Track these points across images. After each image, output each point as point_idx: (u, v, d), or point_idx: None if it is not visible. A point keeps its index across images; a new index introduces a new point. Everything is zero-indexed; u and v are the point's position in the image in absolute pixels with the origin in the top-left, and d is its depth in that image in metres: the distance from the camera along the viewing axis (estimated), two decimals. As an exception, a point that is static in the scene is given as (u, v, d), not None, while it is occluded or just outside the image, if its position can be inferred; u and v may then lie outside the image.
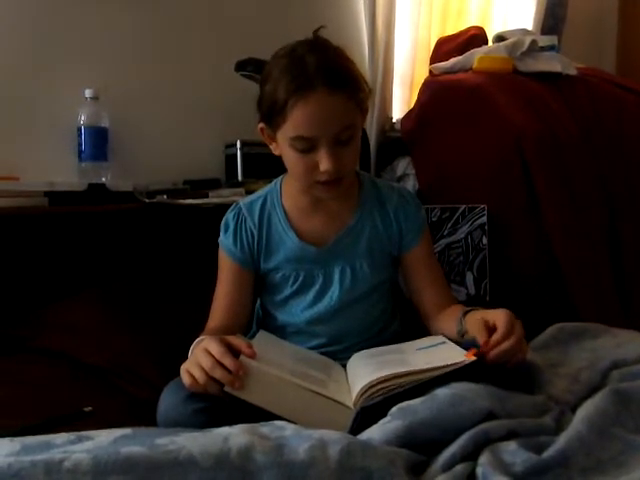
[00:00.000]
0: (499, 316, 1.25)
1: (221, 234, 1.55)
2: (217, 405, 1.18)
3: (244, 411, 1.15)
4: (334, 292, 1.50)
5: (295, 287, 1.52)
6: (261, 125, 1.43)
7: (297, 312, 1.53)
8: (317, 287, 1.51)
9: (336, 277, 1.51)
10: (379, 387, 1.17)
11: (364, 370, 1.27)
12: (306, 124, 1.31)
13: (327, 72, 1.31)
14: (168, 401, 1.22)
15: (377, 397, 1.17)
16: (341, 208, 1.53)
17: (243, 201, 1.57)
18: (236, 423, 1.09)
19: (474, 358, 1.20)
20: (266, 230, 1.52)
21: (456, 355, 1.23)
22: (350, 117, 1.35)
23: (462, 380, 1.17)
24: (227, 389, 1.15)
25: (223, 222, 1.56)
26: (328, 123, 1.32)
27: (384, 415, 1.13)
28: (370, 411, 1.16)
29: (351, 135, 1.36)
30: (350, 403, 1.18)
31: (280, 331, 1.54)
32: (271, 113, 1.36)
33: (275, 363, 1.27)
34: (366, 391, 1.18)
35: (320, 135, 1.32)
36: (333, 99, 1.31)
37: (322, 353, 1.49)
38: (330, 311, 1.51)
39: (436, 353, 1.30)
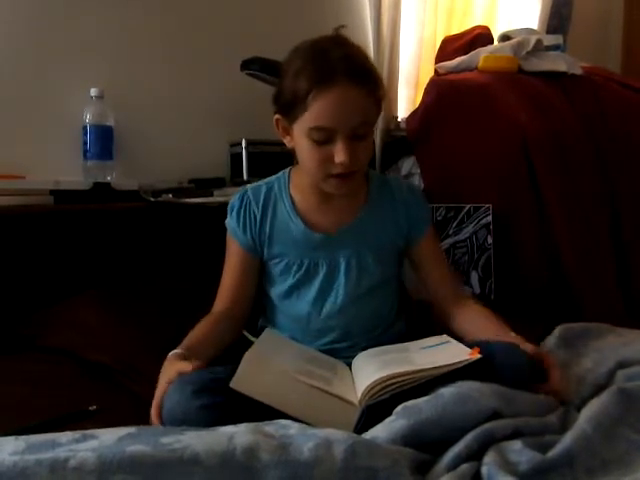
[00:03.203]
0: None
1: (227, 215, 1.57)
2: (222, 402, 1.18)
3: (249, 408, 1.15)
4: (340, 286, 1.51)
5: (299, 276, 1.52)
6: (277, 117, 1.45)
7: (304, 305, 1.52)
8: (321, 277, 1.51)
9: (342, 269, 1.51)
10: (384, 385, 1.18)
11: (369, 368, 1.28)
12: (327, 115, 1.33)
13: (350, 66, 1.33)
14: (173, 398, 1.21)
15: (382, 395, 1.17)
16: (349, 204, 1.54)
17: (250, 185, 1.59)
18: (241, 419, 1.10)
19: (479, 356, 1.20)
20: (271, 215, 1.53)
21: (460, 353, 1.24)
22: (369, 112, 1.38)
23: (467, 378, 1.18)
24: (232, 385, 1.15)
25: (229, 204, 1.57)
26: (348, 116, 1.34)
27: (389, 413, 1.14)
28: (375, 409, 1.16)
29: (367, 130, 1.39)
30: (355, 401, 1.19)
31: (289, 328, 1.54)
32: (291, 103, 1.37)
33: (280, 361, 1.28)
34: (371, 389, 1.18)
35: (339, 127, 1.34)
36: (355, 92, 1.33)
37: (329, 350, 1.49)
38: (338, 305, 1.50)
39: (441, 352, 1.31)
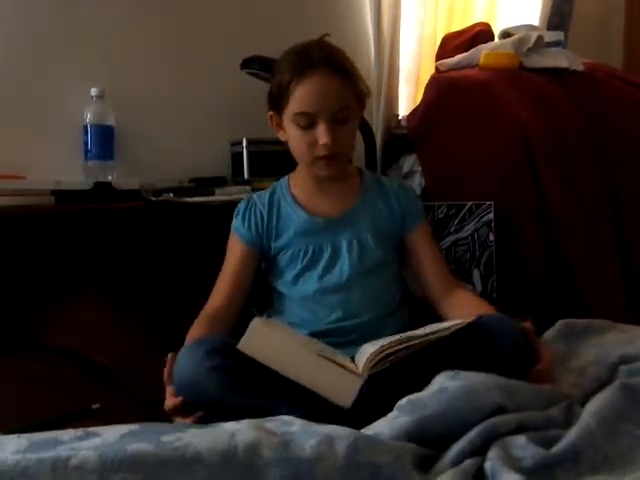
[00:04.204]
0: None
1: (233, 220, 1.66)
2: (233, 364, 1.24)
3: (258, 372, 1.21)
4: (344, 262, 1.58)
5: (305, 262, 1.59)
6: (270, 113, 1.58)
7: (310, 285, 1.58)
8: (326, 258, 1.59)
9: (344, 248, 1.59)
10: (385, 354, 1.21)
11: (370, 348, 1.29)
12: (307, 100, 1.48)
13: (328, 58, 1.49)
14: (185, 360, 1.28)
15: (384, 364, 1.21)
16: (345, 192, 1.65)
17: (255, 193, 1.71)
18: (250, 383, 1.22)
19: (473, 318, 1.29)
20: (275, 212, 1.63)
21: (456, 322, 1.30)
22: (347, 98, 1.51)
23: (465, 348, 1.26)
24: (239, 347, 1.20)
25: (235, 210, 1.67)
26: (327, 100, 1.48)
27: (392, 388, 1.18)
28: (378, 381, 1.21)
29: (347, 116, 1.52)
30: (358, 371, 1.20)
31: (298, 312, 1.58)
32: (278, 96, 1.52)
33: (286, 332, 1.36)
34: (373, 359, 1.20)
35: (319, 111, 1.48)
36: (332, 80, 1.48)
37: (336, 329, 1.53)
38: (344, 279, 1.57)
39: (438, 325, 1.34)
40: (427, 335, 1.24)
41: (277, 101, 1.53)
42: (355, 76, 1.54)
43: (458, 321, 1.31)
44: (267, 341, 1.22)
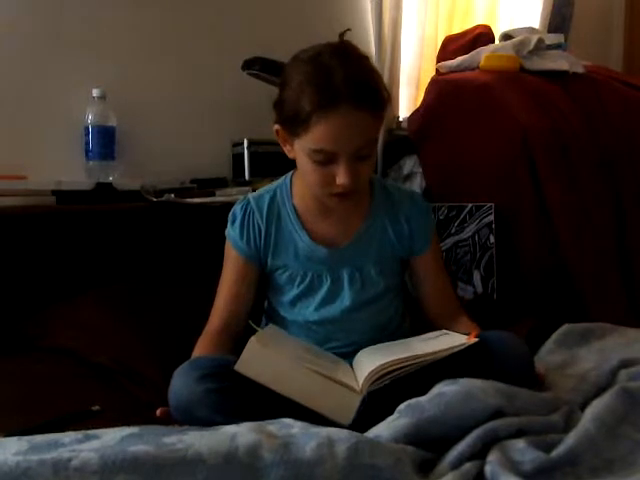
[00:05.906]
0: None
1: (228, 225, 1.54)
2: (229, 386, 1.20)
3: (254, 393, 1.18)
4: (345, 295, 1.50)
5: (301, 288, 1.51)
6: (277, 127, 1.41)
7: (307, 314, 1.51)
8: (325, 290, 1.50)
9: (345, 281, 1.50)
10: (385, 372, 1.18)
11: (370, 359, 1.28)
12: (329, 139, 1.29)
13: (354, 87, 1.28)
14: (181, 380, 1.23)
15: (384, 381, 1.18)
16: (352, 214, 1.52)
17: (252, 194, 1.56)
18: (246, 405, 1.18)
19: (476, 340, 1.24)
20: (275, 226, 1.51)
21: (458, 340, 1.26)
22: (372, 132, 1.35)
23: (469, 365, 1.22)
24: (237, 368, 1.17)
25: (231, 213, 1.54)
26: (351, 139, 1.30)
27: (391, 406, 1.15)
28: (377, 399, 1.17)
29: (371, 150, 1.36)
30: (357, 388, 1.19)
31: (294, 334, 1.52)
32: (292, 121, 1.33)
33: (284, 348, 1.31)
34: (373, 376, 1.18)
35: (342, 150, 1.30)
36: (358, 116, 1.28)
37: (337, 353, 1.47)
38: (343, 312, 1.50)
39: (440, 340, 1.33)
40: (429, 355, 1.20)
41: (290, 124, 1.34)
42: (381, 97, 1.34)
43: (462, 339, 1.26)
44: (264, 361, 1.19)
